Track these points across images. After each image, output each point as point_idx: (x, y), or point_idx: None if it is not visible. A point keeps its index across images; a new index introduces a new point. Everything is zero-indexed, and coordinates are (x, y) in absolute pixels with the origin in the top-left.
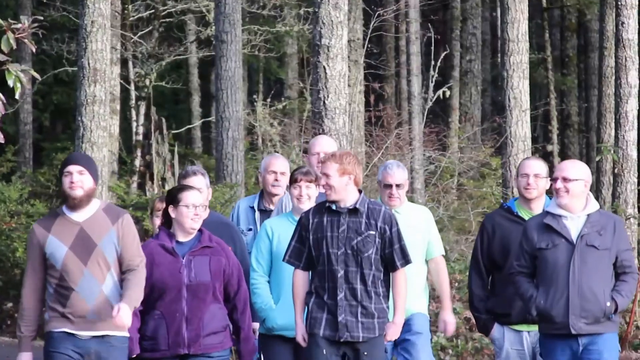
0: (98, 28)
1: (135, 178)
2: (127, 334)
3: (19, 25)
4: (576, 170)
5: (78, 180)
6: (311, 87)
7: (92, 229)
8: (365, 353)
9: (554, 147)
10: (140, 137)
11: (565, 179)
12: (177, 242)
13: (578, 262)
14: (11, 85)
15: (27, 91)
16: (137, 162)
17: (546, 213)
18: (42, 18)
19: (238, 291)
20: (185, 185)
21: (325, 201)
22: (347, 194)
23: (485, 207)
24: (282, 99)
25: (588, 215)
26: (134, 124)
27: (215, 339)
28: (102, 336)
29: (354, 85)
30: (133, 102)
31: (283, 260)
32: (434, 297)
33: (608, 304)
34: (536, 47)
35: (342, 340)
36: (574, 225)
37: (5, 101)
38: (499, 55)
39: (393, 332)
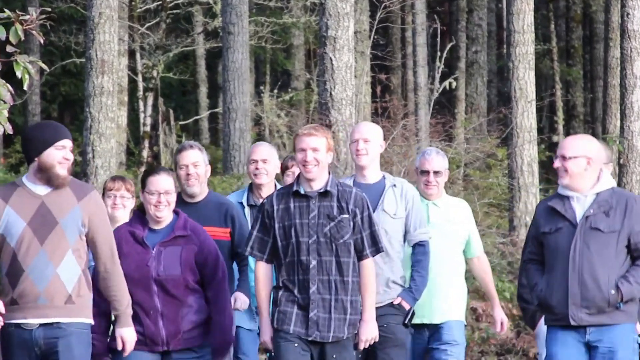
0: (106, 20)
1: (143, 169)
2: (86, 320)
3: (27, 17)
4: (575, 147)
5: (70, 157)
6: (318, 78)
7: (54, 204)
8: (334, 356)
9: (559, 138)
10: (147, 128)
11: (563, 157)
12: (150, 229)
13: (580, 247)
14: (19, 77)
15: (35, 82)
16: (145, 153)
17: (556, 195)
18: (50, 9)
19: (212, 280)
20: (156, 169)
21: (291, 184)
22: (325, 174)
23: (491, 198)
24: (289, 90)
25: (597, 194)
26: (142, 115)
27: (195, 332)
28: (52, 323)
29: (361, 76)
30: (141, 93)
31: (243, 252)
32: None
33: (612, 292)
34: (542, 38)
35: (310, 339)
36: (580, 207)
37: (13, 92)
38: (505, 46)
39: (366, 332)
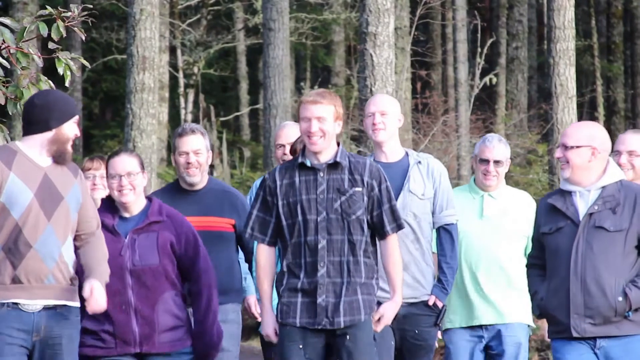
0: (147, 16)
1: None
2: (78, 304)
3: (69, 14)
4: (578, 136)
5: (78, 133)
6: (358, 74)
7: (57, 178)
8: (348, 337)
9: None
10: None
11: (565, 147)
12: (121, 217)
13: (582, 248)
14: (61, 73)
15: (77, 79)
16: None
17: (557, 191)
18: (91, 6)
19: (192, 272)
20: (117, 151)
21: (295, 158)
22: (333, 145)
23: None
24: (329, 86)
25: (603, 188)
26: (183, 112)
27: (174, 335)
28: (54, 307)
29: (401, 72)
30: (182, 89)
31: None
32: None
33: (619, 299)
34: (582, 34)
35: (319, 327)
36: (583, 203)
37: (55, 89)
38: (545, 42)
39: (389, 313)
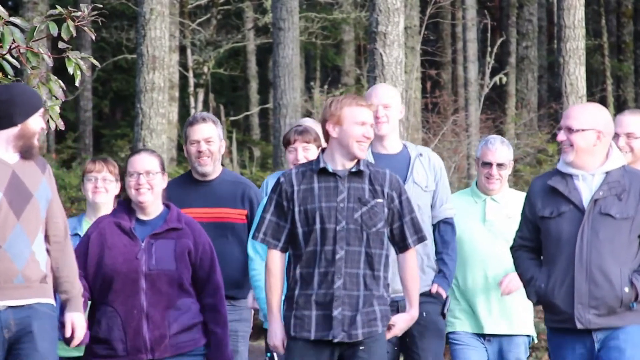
0: (157, 16)
1: None
2: (53, 302)
3: (79, 13)
4: (584, 118)
5: (44, 126)
6: (368, 73)
7: (25, 174)
8: (362, 347)
9: None
10: None
11: (569, 129)
12: (138, 220)
13: (588, 235)
14: (71, 73)
15: (87, 78)
16: None
17: (555, 172)
18: (101, 6)
19: (207, 284)
20: (138, 150)
21: (313, 161)
22: None
23: None
24: (339, 85)
25: (607, 173)
26: (193, 111)
27: (185, 336)
28: (22, 305)
29: (411, 72)
30: (191, 89)
31: (254, 238)
32: None
33: (626, 289)
34: (592, 33)
35: (336, 341)
36: (587, 187)
37: (65, 88)
38: (555, 41)
39: (402, 324)
